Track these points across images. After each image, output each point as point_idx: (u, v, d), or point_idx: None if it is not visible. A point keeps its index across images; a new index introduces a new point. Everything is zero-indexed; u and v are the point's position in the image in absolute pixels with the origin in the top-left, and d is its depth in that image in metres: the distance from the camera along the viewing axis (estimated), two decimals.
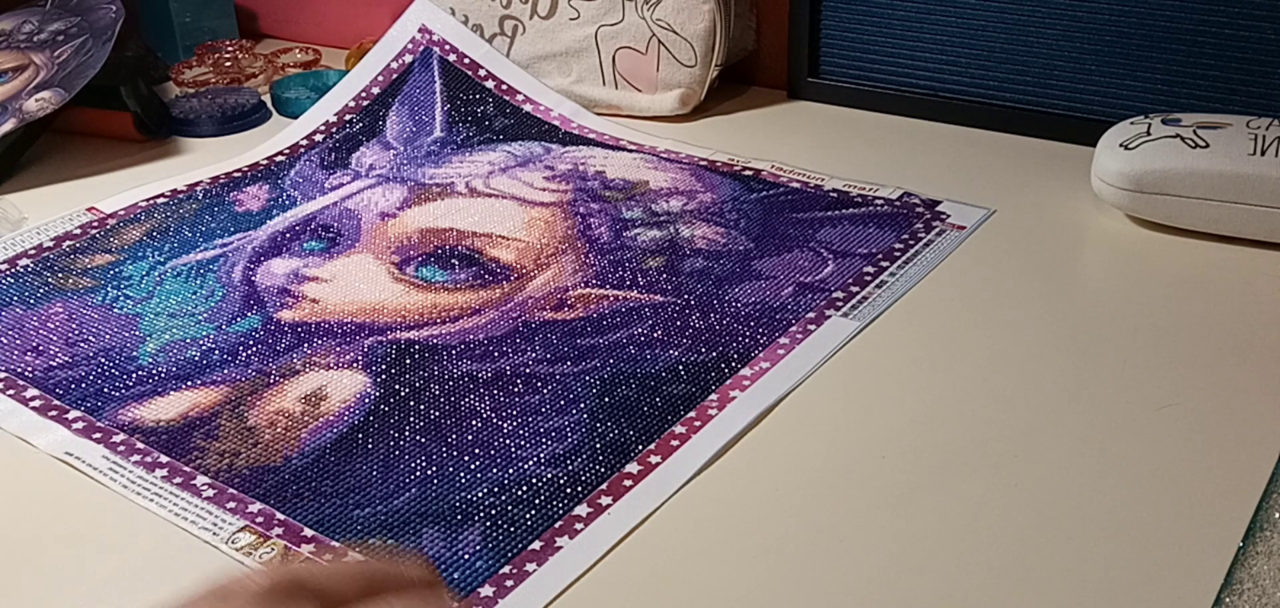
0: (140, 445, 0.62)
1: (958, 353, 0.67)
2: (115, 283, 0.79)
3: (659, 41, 1.01)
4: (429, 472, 0.59)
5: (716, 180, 0.90)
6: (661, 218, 0.84)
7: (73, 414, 0.64)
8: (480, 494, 0.57)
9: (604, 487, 0.57)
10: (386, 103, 1.03)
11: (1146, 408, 0.61)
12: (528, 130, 1.00)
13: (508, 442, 0.61)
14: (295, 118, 1.05)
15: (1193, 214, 0.77)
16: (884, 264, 0.76)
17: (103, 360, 0.70)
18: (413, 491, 0.57)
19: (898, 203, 0.84)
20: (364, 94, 1.04)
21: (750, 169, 0.91)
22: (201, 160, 0.99)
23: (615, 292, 0.75)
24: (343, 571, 0.41)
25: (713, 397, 0.63)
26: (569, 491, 0.57)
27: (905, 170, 0.90)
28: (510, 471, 0.58)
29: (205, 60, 1.19)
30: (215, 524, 0.56)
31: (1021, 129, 0.97)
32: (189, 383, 0.67)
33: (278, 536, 0.55)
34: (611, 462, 0.59)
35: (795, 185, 0.88)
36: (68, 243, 0.84)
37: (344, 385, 0.66)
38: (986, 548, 0.52)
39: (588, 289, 0.75)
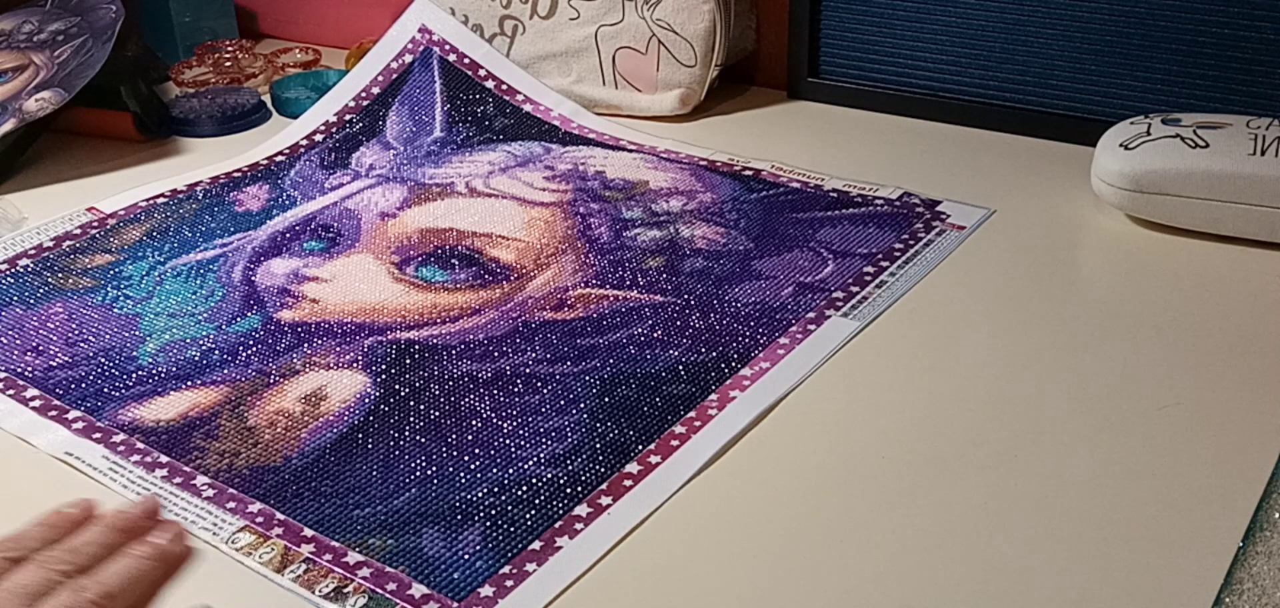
0: (140, 445, 0.62)
1: (958, 353, 0.67)
2: (115, 283, 0.79)
3: (659, 41, 1.01)
4: (429, 472, 0.59)
5: (716, 180, 0.90)
6: (661, 218, 0.84)
7: (73, 414, 0.64)
8: (480, 494, 0.57)
9: (604, 487, 0.57)
10: (386, 103, 1.03)
11: (1147, 408, 0.61)
12: (528, 130, 1.00)
13: (508, 442, 0.61)
14: (295, 118, 1.05)
15: (1193, 214, 0.77)
16: (884, 264, 0.76)
17: (103, 360, 0.70)
18: (413, 491, 0.57)
19: (898, 203, 0.84)
20: (364, 94, 1.04)
21: (750, 169, 0.91)
22: (201, 160, 0.99)
23: (615, 292, 0.75)
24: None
25: (713, 397, 0.63)
26: (569, 491, 0.57)
27: (905, 170, 0.90)
28: (510, 471, 0.58)
29: (205, 60, 1.19)
30: (215, 524, 0.56)
31: (1021, 129, 0.96)
32: (189, 383, 0.67)
33: (278, 536, 0.55)
34: (611, 462, 0.59)
35: (795, 185, 0.88)
36: (68, 243, 0.84)
37: (344, 385, 0.66)
38: (986, 548, 0.52)
39: (588, 289, 0.75)
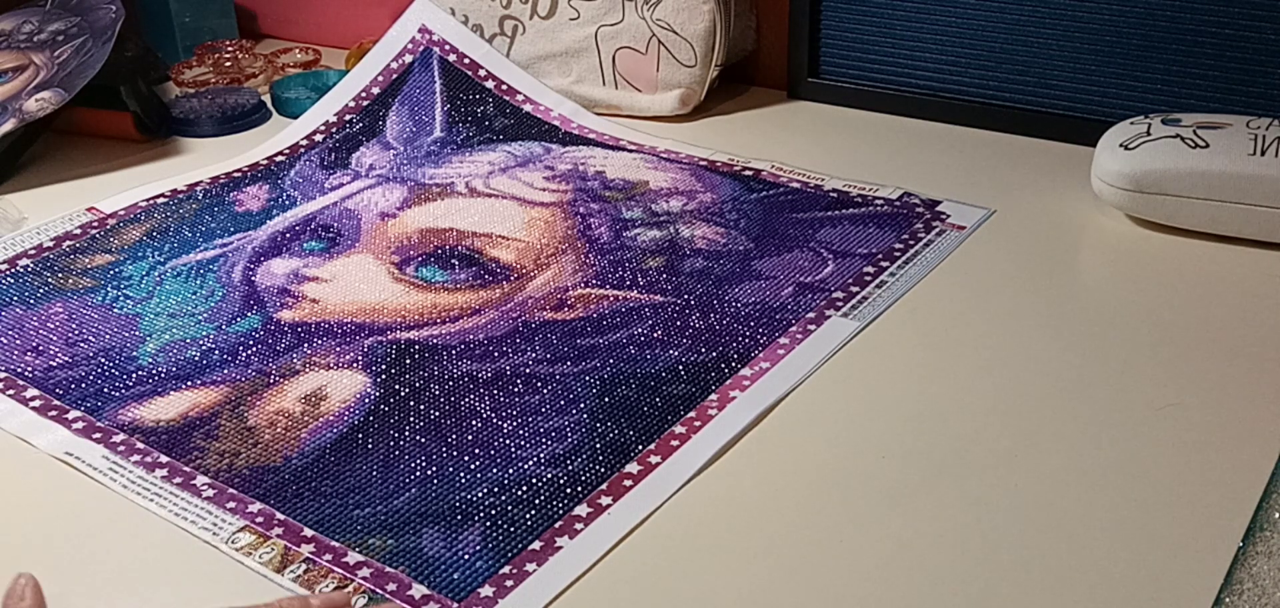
0: (140, 445, 0.62)
1: (958, 353, 0.67)
2: (115, 283, 0.79)
3: (659, 41, 1.01)
4: (429, 472, 0.59)
5: (716, 180, 0.90)
6: (661, 218, 0.84)
7: (73, 414, 0.64)
8: (480, 494, 0.57)
9: (604, 487, 0.57)
10: (386, 103, 1.03)
11: (1146, 408, 0.61)
12: (528, 130, 1.00)
13: (508, 442, 0.61)
14: (295, 118, 1.05)
15: (1193, 214, 0.77)
16: (884, 264, 0.76)
17: (103, 360, 0.70)
18: (413, 491, 0.57)
19: (898, 203, 0.84)
20: (364, 94, 1.04)
21: (750, 169, 0.92)
22: (201, 160, 0.99)
23: (615, 292, 0.75)
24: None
25: (713, 397, 0.63)
26: (569, 491, 0.57)
27: (905, 170, 0.90)
28: (510, 470, 0.58)
29: (205, 60, 1.19)
30: (215, 524, 0.56)
31: (1021, 129, 0.97)
32: (189, 383, 0.67)
33: (277, 536, 0.55)
34: (611, 462, 0.59)
35: (795, 185, 0.88)
36: (68, 243, 0.84)
37: (344, 385, 0.66)
38: (986, 548, 0.52)
39: (588, 289, 0.75)
